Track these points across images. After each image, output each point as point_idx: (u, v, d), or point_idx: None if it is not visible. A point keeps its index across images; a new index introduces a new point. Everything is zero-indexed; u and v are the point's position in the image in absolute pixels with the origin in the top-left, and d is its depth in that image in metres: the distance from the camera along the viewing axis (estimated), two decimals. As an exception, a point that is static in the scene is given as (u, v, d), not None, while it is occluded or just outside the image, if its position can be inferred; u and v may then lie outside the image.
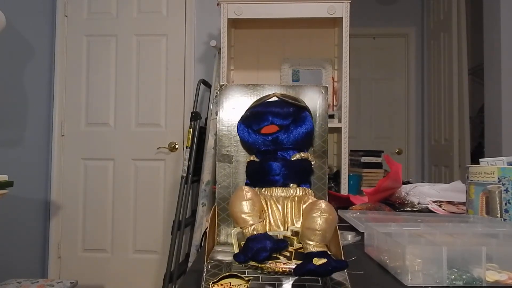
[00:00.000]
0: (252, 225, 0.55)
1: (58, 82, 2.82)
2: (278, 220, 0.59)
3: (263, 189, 0.61)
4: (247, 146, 0.65)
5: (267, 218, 0.59)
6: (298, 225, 0.58)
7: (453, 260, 0.58)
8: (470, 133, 3.18)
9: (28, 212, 2.60)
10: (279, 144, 0.63)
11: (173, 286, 2.41)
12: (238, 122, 0.65)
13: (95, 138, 2.83)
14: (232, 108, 0.67)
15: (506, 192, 0.88)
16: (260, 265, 0.53)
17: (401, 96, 3.98)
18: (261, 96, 0.67)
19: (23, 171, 2.51)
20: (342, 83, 2.15)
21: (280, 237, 0.56)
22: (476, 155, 3.15)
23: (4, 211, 2.34)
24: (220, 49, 2.25)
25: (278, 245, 0.54)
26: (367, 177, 2.41)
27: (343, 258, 0.53)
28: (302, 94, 0.67)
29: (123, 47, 2.84)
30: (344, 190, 2.08)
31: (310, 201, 0.59)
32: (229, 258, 0.57)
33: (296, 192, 0.61)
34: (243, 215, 0.56)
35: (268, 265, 0.53)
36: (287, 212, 0.59)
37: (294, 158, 0.62)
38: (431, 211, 1.17)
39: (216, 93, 2.44)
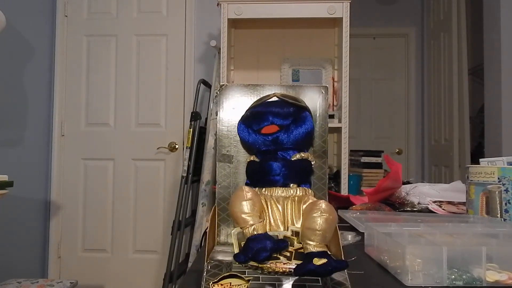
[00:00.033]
0: (252, 225, 0.55)
1: (58, 82, 2.82)
2: (278, 220, 0.59)
3: (263, 189, 0.61)
4: (247, 146, 0.65)
5: (267, 218, 0.59)
6: (298, 225, 0.58)
7: (453, 260, 0.58)
8: (470, 133, 3.18)
9: (28, 212, 2.60)
10: (279, 144, 0.63)
11: (173, 286, 2.41)
12: (238, 122, 0.65)
13: (95, 138, 2.83)
14: (232, 108, 0.67)
15: (506, 192, 0.88)
16: (260, 265, 0.53)
17: (401, 96, 3.98)
18: (261, 96, 0.66)
19: (23, 171, 2.51)
20: (342, 83, 2.15)
21: (280, 237, 0.56)
22: (476, 155, 3.15)
23: (4, 211, 2.34)
24: (220, 49, 2.25)
25: (278, 245, 0.54)
26: (367, 177, 2.41)
27: (343, 258, 0.53)
28: (302, 94, 0.67)
29: (123, 47, 2.84)
30: (344, 190, 2.08)
31: (310, 201, 0.59)
32: (229, 258, 0.57)
33: (296, 192, 0.60)
34: (243, 215, 0.56)
35: (268, 265, 0.53)
36: (287, 212, 0.59)
37: (294, 158, 0.62)
38: (431, 211, 1.17)
39: (216, 93, 2.44)
